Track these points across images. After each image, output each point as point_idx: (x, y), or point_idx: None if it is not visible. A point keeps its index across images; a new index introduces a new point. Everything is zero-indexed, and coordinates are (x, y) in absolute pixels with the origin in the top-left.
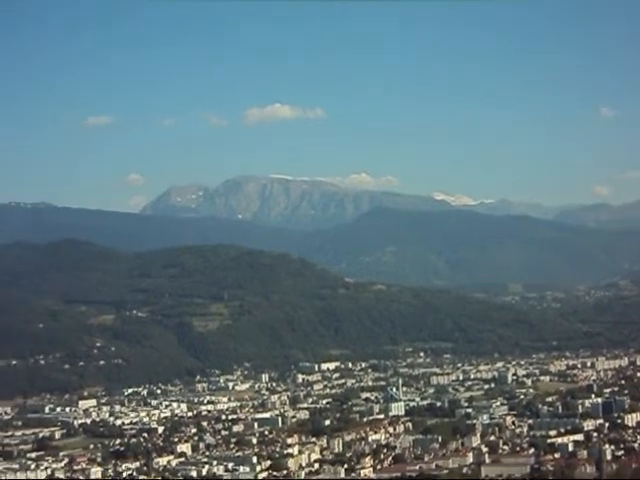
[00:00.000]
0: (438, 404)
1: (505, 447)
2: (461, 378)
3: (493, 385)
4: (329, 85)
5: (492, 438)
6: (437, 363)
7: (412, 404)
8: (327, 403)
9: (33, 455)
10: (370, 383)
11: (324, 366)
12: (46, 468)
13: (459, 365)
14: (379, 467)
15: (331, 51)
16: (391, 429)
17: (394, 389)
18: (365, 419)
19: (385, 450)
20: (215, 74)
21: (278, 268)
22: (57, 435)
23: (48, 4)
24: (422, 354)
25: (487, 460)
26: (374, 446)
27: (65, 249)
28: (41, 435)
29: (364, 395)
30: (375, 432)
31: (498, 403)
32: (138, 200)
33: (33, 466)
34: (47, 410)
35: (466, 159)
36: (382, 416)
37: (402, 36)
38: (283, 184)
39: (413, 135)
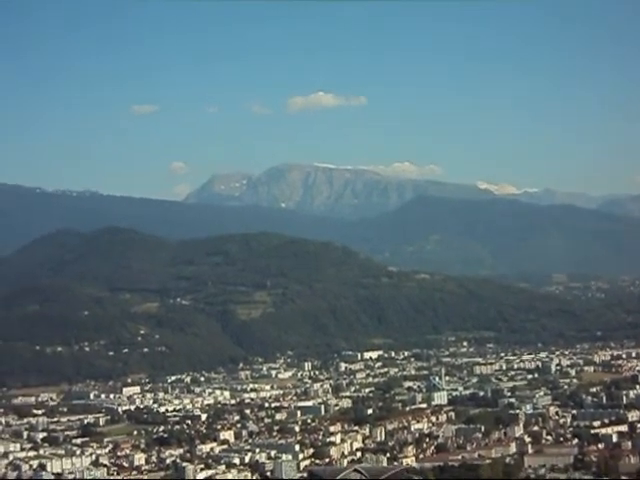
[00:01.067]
0: (481, 394)
1: (548, 437)
2: (504, 368)
3: (536, 375)
4: (372, 73)
5: (535, 428)
6: (480, 352)
7: (455, 393)
8: (370, 392)
9: (78, 441)
10: (413, 372)
11: (367, 355)
12: (91, 454)
13: (502, 355)
14: (421, 456)
15: (373, 40)
16: (434, 418)
17: (437, 378)
18: (408, 408)
19: (427, 439)
20: (259, 63)
21: (321, 257)
22: (101, 421)
23: None
24: (465, 343)
25: (530, 450)
26: (416, 435)
27: (110, 237)
28: (86, 421)
29: (407, 384)
30: (418, 421)
31: (541, 393)
32: (182, 188)
33: (78, 452)
34: (92, 397)
35: (510, 148)
36: (425, 405)
37: (443, 25)
38: (326, 173)
39: (457, 124)
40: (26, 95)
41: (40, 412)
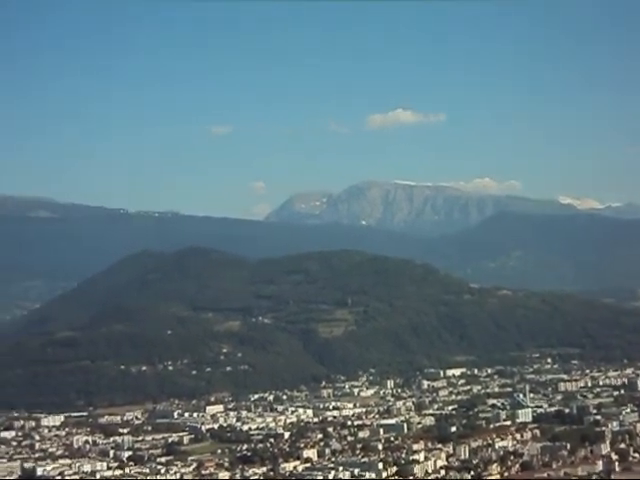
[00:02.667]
0: (566, 411)
1: (636, 455)
2: (589, 384)
3: (622, 392)
4: (451, 90)
5: (622, 446)
6: (565, 369)
7: (539, 411)
8: (453, 409)
9: (163, 459)
10: (496, 389)
11: (449, 372)
12: (175, 472)
13: (587, 371)
14: (506, 474)
15: (451, 56)
16: (518, 436)
17: (521, 395)
18: (492, 425)
19: (512, 457)
20: (336, 82)
21: (402, 274)
22: (185, 440)
23: (173, 20)
24: (549, 360)
25: (617, 468)
26: (501, 453)
27: (192, 257)
28: (170, 440)
29: (490, 401)
30: (502, 439)
31: (628, 410)
32: (262, 208)
33: (163, 470)
34: (176, 415)
35: (592, 162)
36: (509, 423)
37: (521, 40)
38: (406, 190)
39: (537, 139)
40: (107, 118)
41: (125, 431)
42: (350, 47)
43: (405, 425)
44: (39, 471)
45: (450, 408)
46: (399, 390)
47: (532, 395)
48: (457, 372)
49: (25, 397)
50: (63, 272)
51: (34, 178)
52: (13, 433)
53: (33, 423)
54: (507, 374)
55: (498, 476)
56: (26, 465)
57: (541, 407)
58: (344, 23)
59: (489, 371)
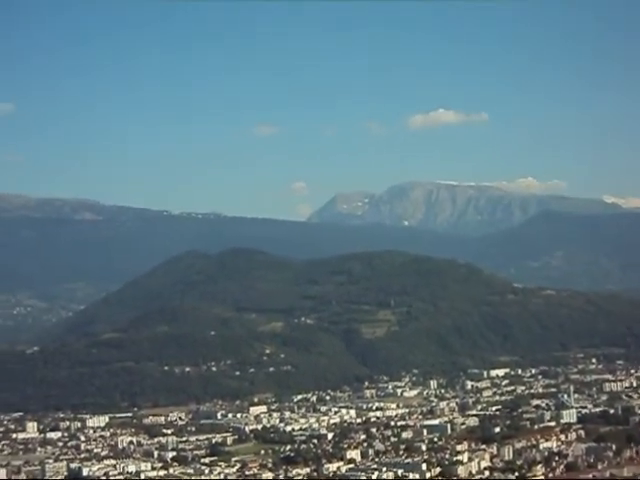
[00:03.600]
0: (611, 411)
1: None
2: (634, 385)
3: None
4: (493, 89)
5: None
6: (609, 369)
7: (584, 411)
8: (497, 410)
9: (207, 460)
10: (540, 390)
11: (493, 373)
12: (219, 473)
13: (632, 371)
14: (551, 475)
15: (493, 55)
16: (563, 437)
17: (565, 396)
18: (536, 426)
19: (557, 458)
20: (378, 83)
21: (445, 274)
22: (229, 441)
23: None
24: (594, 360)
25: None
26: (545, 454)
27: (235, 258)
28: (214, 441)
29: (534, 402)
30: (546, 440)
31: None
32: (305, 208)
33: (207, 471)
34: (219, 416)
35: (637, 161)
36: (553, 423)
37: (562, 39)
38: (449, 190)
39: (581, 137)
40: (151, 120)
41: (169, 431)
42: (392, 48)
43: (449, 426)
44: (85, 471)
45: (494, 409)
46: (442, 391)
47: (577, 395)
48: (501, 372)
49: (70, 398)
50: (108, 274)
51: (79, 181)
52: (59, 434)
53: (79, 424)
54: (551, 374)
55: (542, 477)
56: (72, 465)
57: (586, 408)
58: (386, 23)
59: (533, 371)
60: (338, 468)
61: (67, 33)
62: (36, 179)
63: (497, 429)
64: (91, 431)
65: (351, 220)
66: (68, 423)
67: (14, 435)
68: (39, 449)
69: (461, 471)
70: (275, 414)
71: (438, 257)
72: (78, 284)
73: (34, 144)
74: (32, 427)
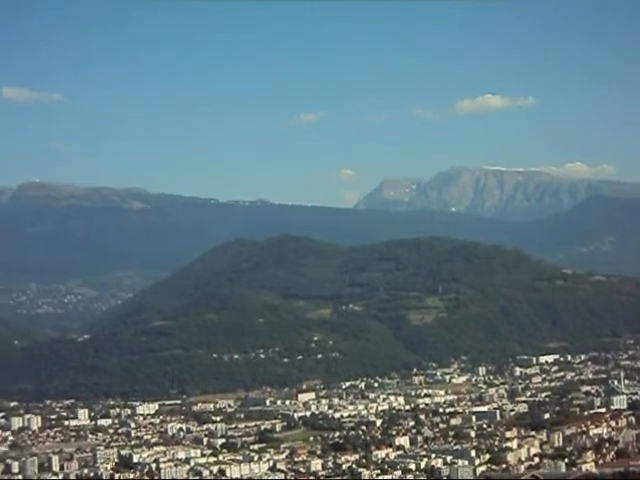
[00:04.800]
0: None
1: None
2: None
3: None
4: (540, 73)
5: None
6: None
7: (635, 397)
8: (546, 396)
9: (256, 447)
10: (590, 376)
11: (542, 359)
12: (268, 460)
13: None
14: (601, 462)
15: (541, 39)
16: (613, 423)
17: (616, 382)
18: (586, 413)
19: (607, 444)
20: (424, 68)
21: (493, 260)
22: (278, 427)
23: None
24: None
25: None
26: (596, 440)
27: (282, 245)
28: (263, 427)
29: (584, 388)
30: (596, 426)
31: None
32: (352, 195)
33: (256, 458)
34: (268, 403)
35: None
36: (603, 410)
37: (609, 21)
38: (497, 175)
39: (629, 121)
40: (198, 108)
41: (218, 418)
42: (438, 33)
43: (498, 412)
44: (135, 458)
45: (543, 395)
46: (491, 377)
47: (627, 382)
48: (550, 359)
49: (121, 385)
50: (156, 262)
51: (127, 169)
52: (110, 421)
53: (129, 411)
54: (601, 360)
55: (593, 464)
56: (122, 452)
57: (636, 394)
58: (433, 8)
59: (583, 357)
60: (387, 455)
61: (115, 23)
62: (85, 168)
63: (546, 415)
64: (141, 418)
65: (398, 206)
66: (118, 410)
67: (66, 422)
68: (90, 436)
69: (510, 458)
70: (323, 401)
71: (486, 243)
72: (127, 272)
73: (83, 134)
74: (83, 414)
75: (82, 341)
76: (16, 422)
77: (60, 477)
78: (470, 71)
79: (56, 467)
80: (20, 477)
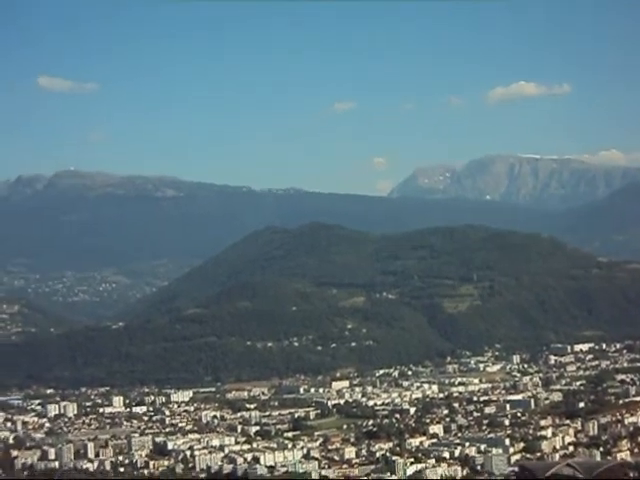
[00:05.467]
0: None
1: None
2: None
3: None
4: (575, 60)
5: None
6: None
7: None
8: (581, 385)
9: (290, 434)
10: (625, 364)
11: (577, 347)
12: (302, 447)
13: None
14: (636, 450)
15: (576, 24)
16: None
17: None
18: (621, 401)
19: None
20: (456, 56)
21: (528, 248)
22: (312, 415)
23: None
24: None
25: None
26: (631, 429)
27: (315, 233)
28: (296, 415)
29: (619, 377)
30: (632, 414)
31: None
32: (385, 183)
33: (290, 445)
34: (301, 391)
35: None
36: (639, 398)
37: None
38: (531, 163)
39: None
40: (230, 97)
41: (252, 406)
42: (470, 20)
43: (532, 401)
44: (170, 445)
45: (578, 384)
46: (526, 365)
47: None
48: (585, 347)
49: (155, 373)
50: (190, 250)
51: (161, 158)
52: (144, 408)
53: (163, 398)
54: (636, 349)
55: (628, 452)
56: (157, 439)
57: None
58: None
59: (618, 346)
60: (421, 443)
61: (150, 9)
62: (119, 157)
63: (581, 404)
64: (175, 405)
65: (432, 195)
66: (153, 397)
67: (101, 409)
68: (125, 423)
69: (545, 446)
70: (357, 389)
71: (520, 231)
72: (161, 260)
73: (117, 122)
74: (118, 401)
75: (117, 329)
76: (52, 409)
77: (95, 464)
78: (503, 58)
79: (91, 454)
80: (56, 463)
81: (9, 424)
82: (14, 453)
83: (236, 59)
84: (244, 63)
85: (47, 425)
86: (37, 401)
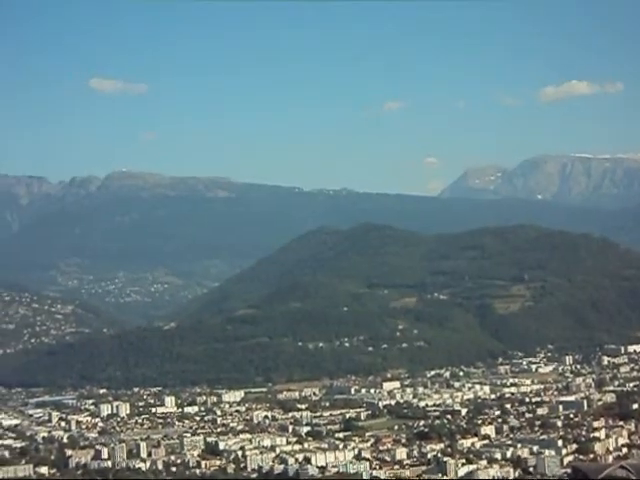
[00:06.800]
0: None
1: None
2: None
3: None
4: (628, 58)
5: None
6: None
7: None
8: (634, 386)
9: (341, 435)
10: None
11: (631, 348)
12: (353, 448)
13: None
14: None
15: (627, 23)
16: None
17: None
18: None
19: None
20: (508, 55)
21: (580, 248)
22: (363, 416)
23: None
24: None
25: None
26: None
27: (366, 233)
28: (347, 416)
29: None
30: None
31: None
32: (436, 183)
33: (341, 446)
34: (352, 391)
35: None
36: None
37: None
38: (584, 162)
39: None
40: (282, 99)
41: (304, 406)
42: (522, 19)
43: (585, 402)
44: (221, 445)
45: (632, 385)
46: (578, 366)
47: None
48: (639, 348)
49: (207, 373)
50: (241, 250)
51: (212, 159)
52: (196, 408)
53: (215, 399)
54: None
55: None
56: (209, 439)
57: None
58: None
59: None
60: (472, 444)
61: (200, 11)
62: (170, 158)
63: (635, 405)
64: (227, 406)
65: (483, 194)
66: (204, 398)
67: (153, 409)
68: (177, 423)
69: (598, 448)
70: (408, 390)
71: (573, 231)
72: (213, 261)
73: (168, 123)
74: (170, 402)
75: (169, 329)
76: (105, 409)
77: (148, 463)
78: (555, 58)
79: (144, 453)
80: (109, 462)
81: (63, 423)
82: (68, 452)
83: (287, 60)
84: (296, 64)
85: (100, 425)
86: (90, 401)
